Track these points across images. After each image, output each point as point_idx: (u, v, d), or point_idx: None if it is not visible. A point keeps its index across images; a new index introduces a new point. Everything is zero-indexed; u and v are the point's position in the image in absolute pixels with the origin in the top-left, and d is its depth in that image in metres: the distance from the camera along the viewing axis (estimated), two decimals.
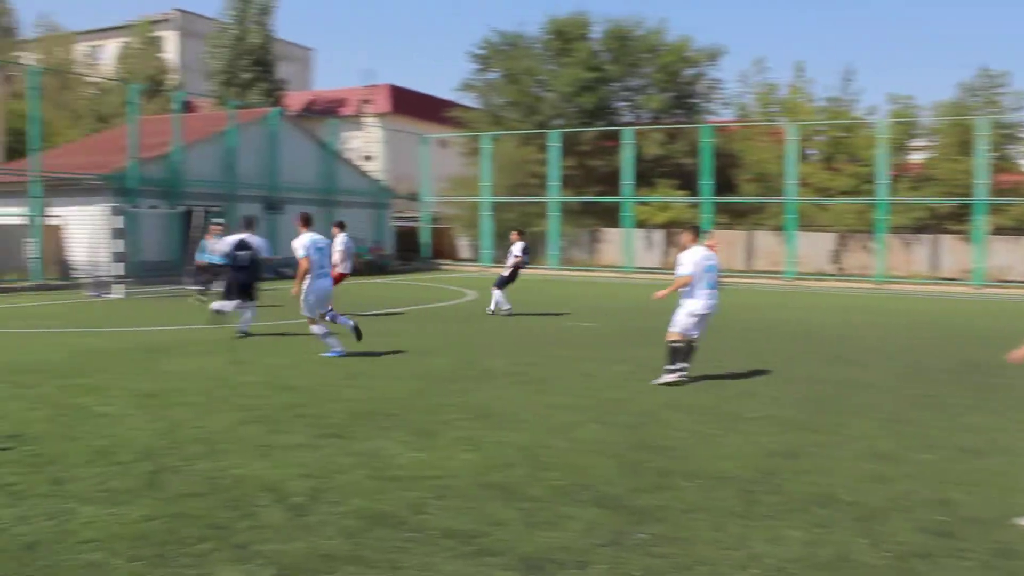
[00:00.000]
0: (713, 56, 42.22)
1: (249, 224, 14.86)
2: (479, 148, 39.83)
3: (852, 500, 5.75)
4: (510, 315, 17.59)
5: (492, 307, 17.95)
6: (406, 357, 11.87)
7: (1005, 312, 21.50)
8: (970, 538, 5.10)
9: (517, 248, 18.16)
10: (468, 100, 44.81)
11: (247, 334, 13.70)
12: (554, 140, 37.17)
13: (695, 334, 10.41)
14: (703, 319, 10.39)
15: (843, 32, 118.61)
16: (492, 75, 43.66)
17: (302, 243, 11.87)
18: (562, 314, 18.65)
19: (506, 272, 18.17)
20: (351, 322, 12.37)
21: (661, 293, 10.82)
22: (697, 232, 10.77)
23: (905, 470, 6.51)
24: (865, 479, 6.25)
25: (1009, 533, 5.20)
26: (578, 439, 7.30)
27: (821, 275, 34.76)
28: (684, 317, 10.29)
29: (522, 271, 18.54)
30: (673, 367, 10.24)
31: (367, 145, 49.21)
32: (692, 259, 10.25)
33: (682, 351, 10.28)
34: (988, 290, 29.92)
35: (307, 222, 12.42)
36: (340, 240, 16.54)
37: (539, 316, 18.10)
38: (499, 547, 4.81)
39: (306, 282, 11.75)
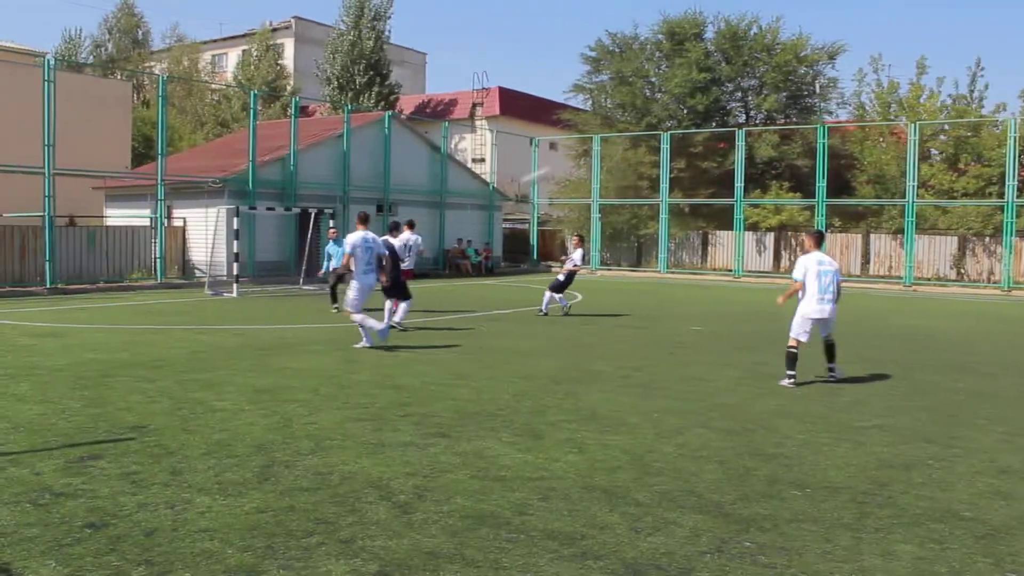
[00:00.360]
0: (831, 55, 41.04)
1: (395, 227, 15.62)
2: (589, 150, 39.78)
3: (972, 516, 5.51)
4: (568, 314, 17.94)
5: (544, 308, 18.05)
6: (512, 358, 11.93)
7: None
8: None
9: (577, 256, 18.12)
10: (578, 102, 44.80)
11: (403, 327, 14.73)
12: (665, 142, 36.82)
13: (805, 339, 10.37)
14: (815, 324, 10.31)
15: (972, 26, 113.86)
16: (603, 77, 43.50)
17: (350, 240, 12.55)
18: (671, 317, 18.44)
19: (562, 276, 18.18)
20: (373, 338, 12.68)
21: (780, 299, 10.94)
22: (819, 237, 10.70)
23: None
24: (986, 495, 5.98)
25: None
26: (685, 444, 7.20)
27: (941, 280, 33.45)
28: (796, 322, 10.36)
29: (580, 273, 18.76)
30: (789, 372, 10.27)
31: (477, 147, 49.70)
32: (805, 264, 10.28)
33: (793, 357, 10.27)
34: None
35: (363, 221, 13.02)
36: (402, 238, 16.98)
37: (647, 319, 17.95)
38: (602, 551, 4.79)
39: (352, 279, 12.52)
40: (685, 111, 40.54)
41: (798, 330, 10.33)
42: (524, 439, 7.21)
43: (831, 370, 10.58)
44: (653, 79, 42.04)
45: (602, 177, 38.73)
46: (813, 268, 10.21)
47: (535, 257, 40.40)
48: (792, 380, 10.17)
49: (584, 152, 41.35)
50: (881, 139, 38.40)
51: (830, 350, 10.59)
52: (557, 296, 18.06)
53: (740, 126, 38.03)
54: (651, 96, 41.96)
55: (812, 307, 10.21)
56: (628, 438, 7.35)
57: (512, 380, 10.12)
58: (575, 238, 19.01)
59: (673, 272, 36.42)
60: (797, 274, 10.32)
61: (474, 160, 47.97)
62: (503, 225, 40.59)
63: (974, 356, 13.36)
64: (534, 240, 40.78)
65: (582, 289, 25.55)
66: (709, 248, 39.58)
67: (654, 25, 43.61)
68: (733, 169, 36.13)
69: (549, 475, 6.19)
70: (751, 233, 37.49)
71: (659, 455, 6.83)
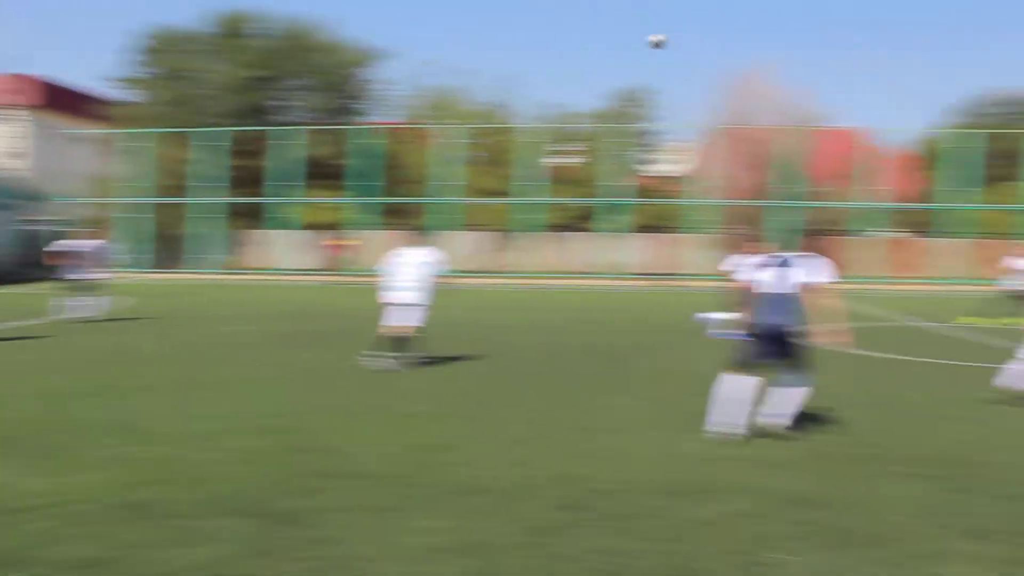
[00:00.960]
0: (377, 58, 42.72)
1: None
2: (129, 146, 37.45)
3: (496, 486, 6.05)
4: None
5: (80, 314, 16.80)
6: (33, 372, 10.78)
7: (640, 303, 23.64)
8: (596, 508, 5.58)
9: (86, 246, 17.17)
10: (126, 96, 42.10)
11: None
12: (208, 139, 35.77)
13: (387, 323, 11.33)
14: (390, 310, 11.32)
15: (512, 39, 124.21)
16: (152, 71, 41.30)
17: None
18: (214, 319, 17.95)
19: (77, 275, 17.06)
20: None
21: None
22: (415, 233, 12.12)
23: (543, 452, 6.97)
24: (508, 464, 6.61)
25: (627, 499, 5.76)
26: (227, 448, 7.03)
27: (475, 272, 36.34)
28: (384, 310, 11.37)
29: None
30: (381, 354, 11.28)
31: (9, 140, 44.57)
32: (388, 258, 11.46)
33: (383, 341, 11.32)
34: (629, 282, 32.83)
35: None
36: None
37: (189, 320, 17.31)
38: (138, 571, 4.53)
39: None
40: (232, 108, 39.74)
41: (384, 317, 11.36)
42: (47, 461, 6.56)
43: (393, 359, 11.18)
44: (201, 74, 40.70)
45: (142, 175, 36.69)
46: (392, 259, 11.41)
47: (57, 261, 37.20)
48: (393, 362, 11.13)
49: (125, 148, 38.86)
50: (422, 141, 40.67)
51: (398, 342, 11.22)
52: (92, 302, 16.75)
53: (287, 125, 38.14)
54: (199, 92, 40.60)
55: (385, 294, 11.34)
56: (167, 448, 7.01)
57: (32, 398, 9.09)
58: (88, 230, 17.80)
59: (219, 272, 35.57)
60: (380, 266, 11.49)
61: (6, 154, 42.97)
62: (25, 226, 36.79)
63: (503, 340, 14.69)
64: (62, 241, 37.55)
65: (126, 293, 23.97)
66: (254, 247, 39.24)
67: (205, 20, 42.22)
68: (277, 167, 36.12)
69: (76, 498, 5.70)
70: (293, 232, 37.79)
71: (199, 462, 6.60)
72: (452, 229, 35.52)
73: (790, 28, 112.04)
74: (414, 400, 9.19)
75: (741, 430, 7.32)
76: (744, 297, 7.78)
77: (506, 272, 36.48)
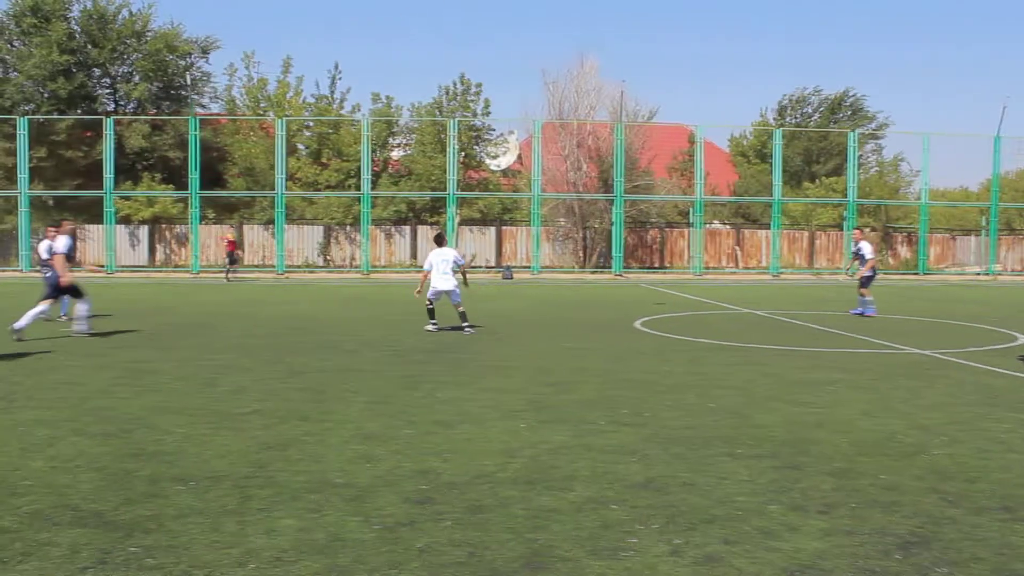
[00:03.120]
0: (205, 48, 41.09)
1: None
2: None
3: (343, 482, 5.96)
4: None
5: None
6: None
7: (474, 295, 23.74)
8: (447, 501, 5.56)
9: None
10: None
11: None
12: (22, 128, 33.53)
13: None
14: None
15: (332, 30, 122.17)
16: None
17: None
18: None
19: None
20: None
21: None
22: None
23: (390, 447, 6.92)
24: (354, 460, 6.52)
25: (477, 491, 5.78)
26: (57, 456, 6.64)
27: (310, 267, 35.68)
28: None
29: None
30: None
31: None
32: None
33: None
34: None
35: None
36: None
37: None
38: None
39: None
40: (46, 95, 37.35)
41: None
42: None
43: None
44: (7, 57, 38.01)
45: None
46: (431, 260, 14.69)
47: None
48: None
49: None
50: (251, 133, 39.54)
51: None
52: None
53: (109, 114, 36.20)
54: (4, 76, 37.92)
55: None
56: None
57: None
58: None
59: (39, 270, 33.44)
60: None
61: None
62: None
63: (339, 335, 14.47)
64: None
65: None
66: (79, 243, 37.16)
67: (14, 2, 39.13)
68: (102, 159, 34.30)
69: None
70: (123, 226, 36.02)
71: (26, 472, 6.21)
72: (282, 222, 34.65)
73: (613, 23, 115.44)
74: (245, 399, 8.93)
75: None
76: None
77: (336, 266, 35.98)
